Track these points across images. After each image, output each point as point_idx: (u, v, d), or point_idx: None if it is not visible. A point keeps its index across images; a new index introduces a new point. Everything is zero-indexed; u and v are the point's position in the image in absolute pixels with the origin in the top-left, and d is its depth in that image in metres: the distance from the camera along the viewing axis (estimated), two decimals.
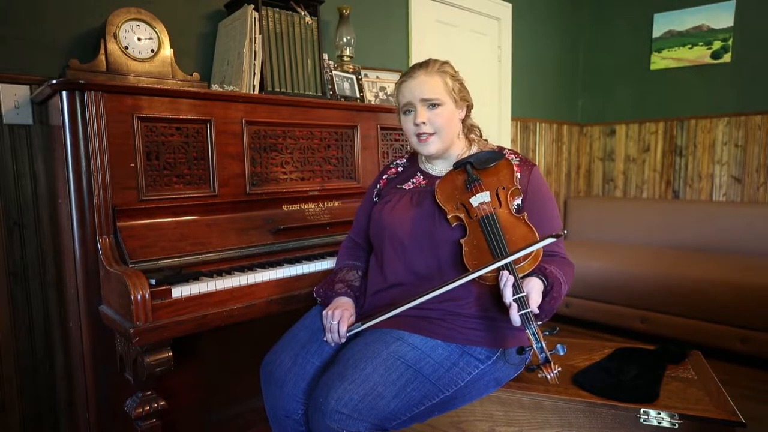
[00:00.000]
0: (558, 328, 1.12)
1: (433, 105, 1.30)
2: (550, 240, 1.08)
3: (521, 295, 1.06)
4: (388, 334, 1.19)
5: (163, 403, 1.38)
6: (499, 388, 1.28)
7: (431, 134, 1.31)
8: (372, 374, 1.10)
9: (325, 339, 1.27)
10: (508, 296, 1.06)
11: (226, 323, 1.38)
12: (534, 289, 1.10)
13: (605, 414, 1.24)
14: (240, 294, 1.41)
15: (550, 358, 1.03)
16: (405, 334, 1.18)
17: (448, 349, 1.18)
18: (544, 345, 1.04)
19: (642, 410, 1.21)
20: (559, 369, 1.04)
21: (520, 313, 1.05)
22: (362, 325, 1.23)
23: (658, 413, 1.20)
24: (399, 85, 1.36)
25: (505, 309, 1.19)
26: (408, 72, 1.36)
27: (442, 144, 1.33)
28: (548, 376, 1.02)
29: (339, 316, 1.25)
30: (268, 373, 1.29)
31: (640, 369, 1.40)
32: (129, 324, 1.23)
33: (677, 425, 1.19)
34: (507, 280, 1.08)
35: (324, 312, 1.29)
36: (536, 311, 1.07)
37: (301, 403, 1.23)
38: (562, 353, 1.03)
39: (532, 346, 1.04)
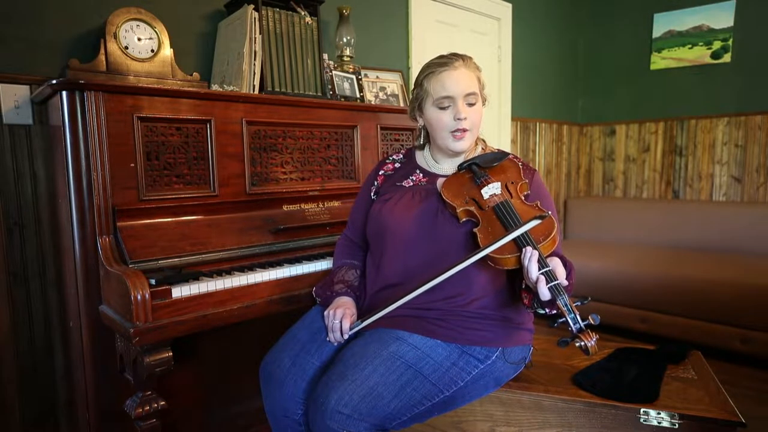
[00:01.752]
0: (589, 298, 1.07)
1: (471, 102, 1.28)
2: (545, 216, 1.07)
3: (548, 269, 1.04)
4: (388, 334, 1.19)
5: (163, 403, 1.38)
6: (499, 388, 1.28)
7: (467, 131, 1.28)
8: (372, 374, 1.10)
9: (327, 339, 1.27)
10: (534, 271, 1.03)
11: (226, 323, 1.38)
12: (558, 264, 1.09)
13: (605, 414, 1.24)
14: (240, 294, 1.41)
15: (585, 327, 0.99)
16: (405, 334, 1.18)
17: (448, 349, 1.18)
18: (578, 315, 1.00)
19: (642, 410, 1.21)
20: (597, 336, 0.99)
21: (549, 285, 1.02)
22: (364, 321, 1.23)
23: (658, 413, 1.20)
24: (438, 73, 1.27)
25: (517, 306, 1.18)
26: (444, 62, 1.28)
27: (473, 141, 1.32)
28: (589, 344, 0.97)
29: (341, 315, 1.25)
30: (268, 374, 1.29)
31: (640, 369, 1.40)
32: (129, 324, 1.23)
33: (677, 425, 1.19)
34: (531, 256, 1.05)
35: (325, 312, 1.29)
36: (565, 283, 1.05)
37: (301, 403, 1.23)
38: (597, 322, 0.99)
39: (564, 317, 1.00)
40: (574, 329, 1.00)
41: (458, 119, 1.26)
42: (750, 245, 3.13)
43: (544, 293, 1.02)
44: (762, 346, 2.50)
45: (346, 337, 1.24)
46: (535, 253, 1.05)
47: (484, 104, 1.35)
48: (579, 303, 1.04)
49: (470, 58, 1.33)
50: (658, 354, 1.52)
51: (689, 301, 2.72)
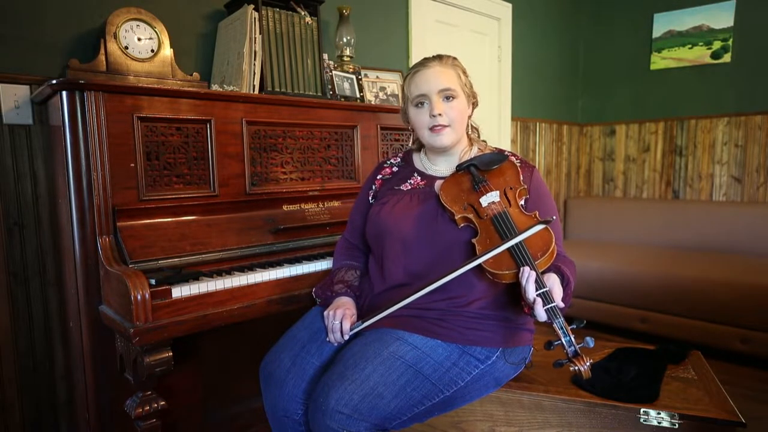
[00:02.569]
0: (585, 321, 1.09)
1: (448, 97, 1.29)
2: (540, 226, 1.09)
3: (545, 290, 1.05)
4: (388, 334, 1.19)
5: (163, 403, 1.38)
6: (499, 388, 1.28)
7: (446, 126, 1.30)
8: (372, 374, 1.10)
9: (327, 339, 1.27)
10: (532, 292, 1.05)
11: (226, 323, 1.38)
12: (555, 283, 1.10)
13: (605, 414, 1.24)
14: (240, 294, 1.41)
15: (579, 351, 1.01)
16: (405, 334, 1.18)
17: (448, 349, 1.17)
18: (573, 338, 1.02)
19: (642, 410, 1.21)
20: (591, 361, 1.01)
21: (546, 307, 1.03)
22: (364, 322, 1.23)
23: (658, 413, 1.20)
24: (412, 75, 1.33)
25: (517, 307, 1.19)
26: (421, 63, 1.33)
27: (455, 137, 1.33)
28: (582, 369, 1.00)
29: (341, 315, 1.25)
30: (268, 374, 1.29)
31: (640, 369, 1.40)
32: (129, 324, 1.23)
33: (677, 425, 1.19)
34: (529, 276, 1.06)
35: (325, 312, 1.29)
36: (561, 305, 1.06)
37: (301, 403, 1.23)
38: (591, 345, 1.01)
39: (560, 340, 1.02)
40: (569, 352, 1.02)
41: (432, 116, 1.28)
42: (750, 245, 3.12)
43: (541, 315, 1.04)
44: (762, 346, 2.50)
45: (346, 338, 1.24)
46: (533, 274, 1.06)
47: (472, 103, 1.36)
48: (575, 326, 1.06)
49: (451, 57, 1.34)
50: (658, 354, 1.52)
51: (689, 301, 2.72)
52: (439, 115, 1.28)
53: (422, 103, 1.31)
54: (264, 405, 1.30)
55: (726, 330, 2.61)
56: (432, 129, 1.30)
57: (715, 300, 2.64)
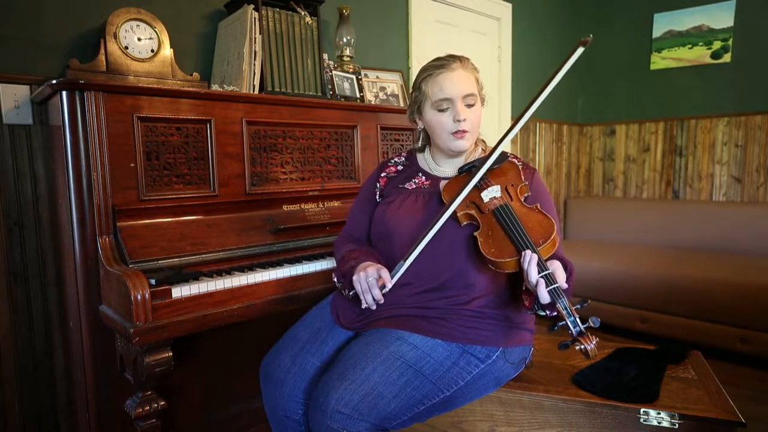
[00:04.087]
0: (589, 301, 1.07)
1: (469, 103, 1.28)
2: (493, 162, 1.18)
3: (547, 272, 1.04)
4: (389, 333, 1.19)
5: (163, 403, 1.38)
6: (499, 388, 1.28)
7: (467, 131, 1.28)
8: (372, 374, 1.10)
9: (363, 306, 1.20)
10: (534, 274, 1.04)
11: (226, 323, 1.38)
12: (558, 267, 1.09)
13: (605, 414, 1.24)
14: (240, 294, 1.41)
15: (584, 330, 1.00)
16: (405, 334, 1.18)
17: (449, 348, 1.18)
18: (578, 318, 1.01)
19: (642, 410, 1.21)
20: (597, 340, 1.00)
21: (549, 288, 1.02)
22: (406, 261, 1.19)
23: (658, 413, 1.20)
24: (435, 75, 1.27)
25: (518, 306, 1.18)
26: (441, 64, 1.28)
27: (473, 141, 1.33)
28: (588, 347, 0.98)
29: (375, 270, 1.19)
30: (268, 374, 1.29)
31: (640, 369, 1.40)
32: (129, 324, 1.23)
33: (677, 425, 1.19)
34: (531, 259, 1.05)
35: (354, 277, 1.21)
36: (564, 286, 1.05)
37: (301, 403, 1.23)
38: (597, 325, 1.00)
39: (564, 320, 1.01)
40: (574, 332, 1.01)
41: (458, 121, 1.26)
42: (750, 245, 3.13)
43: (544, 296, 1.02)
44: (762, 346, 2.50)
45: (389, 286, 1.18)
46: (534, 257, 1.05)
47: (483, 104, 1.35)
48: (579, 306, 1.04)
49: (467, 59, 1.32)
50: (658, 354, 1.52)
51: (689, 301, 2.72)
52: (464, 120, 1.27)
53: (445, 107, 1.28)
54: (264, 405, 1.31)
55: (726, 330, 2.61)
56: (455, 134, 1.28)
57: (715, 300, 2.64)
